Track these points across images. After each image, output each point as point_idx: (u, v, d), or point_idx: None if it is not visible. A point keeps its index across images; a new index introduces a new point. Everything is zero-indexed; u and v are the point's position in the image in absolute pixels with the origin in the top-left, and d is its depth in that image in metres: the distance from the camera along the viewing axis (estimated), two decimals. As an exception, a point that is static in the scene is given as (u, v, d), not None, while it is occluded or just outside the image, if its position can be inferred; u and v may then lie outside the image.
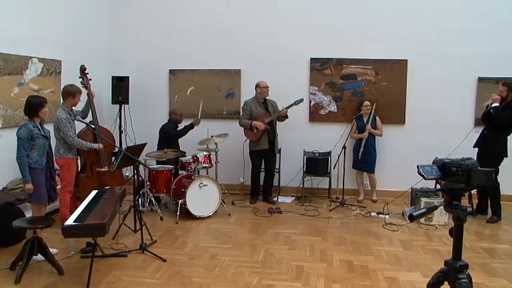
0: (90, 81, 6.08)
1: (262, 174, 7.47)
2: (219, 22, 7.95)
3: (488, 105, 6.39)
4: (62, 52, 6.76)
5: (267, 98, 7.27)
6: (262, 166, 7.42)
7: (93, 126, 5.67)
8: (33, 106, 4.73)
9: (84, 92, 5.88)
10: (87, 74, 6.09)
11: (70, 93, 5.41)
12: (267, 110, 7.20)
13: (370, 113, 7.32)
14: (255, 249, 5.25)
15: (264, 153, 7.27)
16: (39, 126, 4.79)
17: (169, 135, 7.16)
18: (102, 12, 8.09)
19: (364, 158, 7.36)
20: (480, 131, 6.60)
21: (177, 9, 8.07)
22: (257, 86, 7.22)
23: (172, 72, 8.16)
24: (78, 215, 4.12)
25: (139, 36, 8.21)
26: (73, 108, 5.53)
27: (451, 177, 2.55)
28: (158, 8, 8.13)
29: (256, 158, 7.32)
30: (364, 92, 7.72)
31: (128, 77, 7.78)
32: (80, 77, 6.03)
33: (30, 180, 4.66)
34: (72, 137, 5.35)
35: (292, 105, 7.07)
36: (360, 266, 4.78)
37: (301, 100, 7.14)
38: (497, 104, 6.22)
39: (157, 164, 7.04)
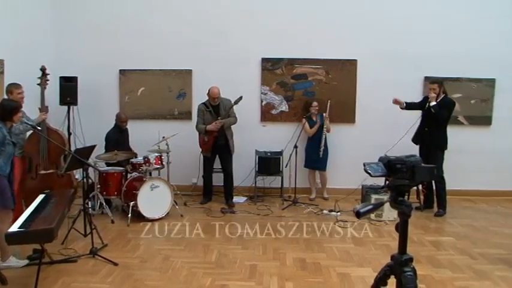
0: (47, 83, 6.35)
1: (215, 175, 7.43)
2: (170, 22, 7.86)
3: (428, 103, 6.67)
4: (4, 51, 6.48)
5: (222, 98, 7.06)
6: (214, 166, 7.38)
7: (39, 128, 5.50)
8: (9, 110, 4.46)
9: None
10: (48, 74, 6.36)
11: (7, 92, 5.56)
12: (218, 114, 7.00)
13: (324, 112, 7.42)
14: (208, 250, 5.24)
15: (216, 153, 7.25)
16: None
17: (108, 142, 6.97)
18: (45, 12, 7.79)
19: (318, 156, 7.45)
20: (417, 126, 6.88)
21: (126, 9, 7.91)
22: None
23: (122, 72, 8.00)
24: (24, 221, 3.97)
25: (88, 36, 7.99)
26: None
27: (396, 174, 2.60)
28: (106, 9, 7.93)
29: (207, 158, 7.25)
30: (315, 92, 7.82)
31: (76, 77, 7.51)
32: (38, 77, 6.24)
33: None
34: (17, 125, 5.20)
35: (232, 105, 7.01)
36: (312, 263, 4.85)
37: (240, 98, 6.94)
38: (435, 102, 6.53)
39: (107, 166, 6.90)
